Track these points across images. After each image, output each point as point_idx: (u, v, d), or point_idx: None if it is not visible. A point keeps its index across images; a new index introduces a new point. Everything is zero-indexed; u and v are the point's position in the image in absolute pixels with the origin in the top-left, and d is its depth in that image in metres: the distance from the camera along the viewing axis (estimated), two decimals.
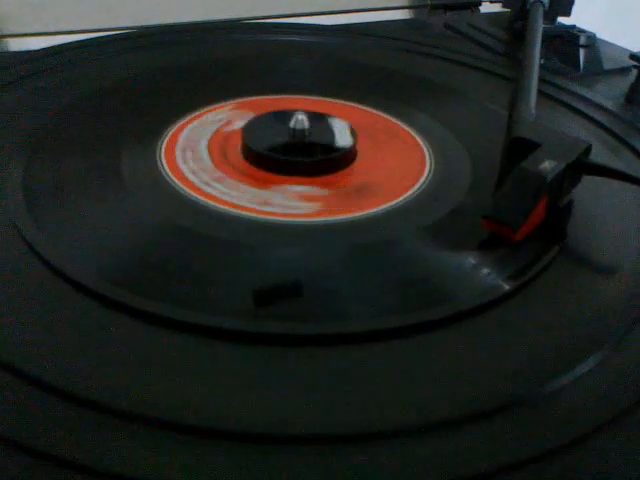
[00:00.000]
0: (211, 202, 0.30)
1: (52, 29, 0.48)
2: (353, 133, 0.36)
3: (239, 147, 0.35)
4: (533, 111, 0.34)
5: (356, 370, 0.23)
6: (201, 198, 0.31)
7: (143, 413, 0.20)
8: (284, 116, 0.35)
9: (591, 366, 0.23)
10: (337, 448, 0.20)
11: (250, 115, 0.37)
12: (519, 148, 0.31)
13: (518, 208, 0.28)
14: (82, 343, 0.23)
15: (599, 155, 0.36)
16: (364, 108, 0.41)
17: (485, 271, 0.27)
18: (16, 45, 0.49)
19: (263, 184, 0.32)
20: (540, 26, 0.44)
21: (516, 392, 0.22)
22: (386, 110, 0.41)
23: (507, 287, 0.27)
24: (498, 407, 0.21)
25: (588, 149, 0.31)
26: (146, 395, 0.21)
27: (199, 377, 0.22)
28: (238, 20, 0.54)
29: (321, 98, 0.42)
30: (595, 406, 0.22)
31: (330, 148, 0.34)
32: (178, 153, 0.34)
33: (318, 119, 0.36)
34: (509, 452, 0.20)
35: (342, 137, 0.35)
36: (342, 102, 0.42)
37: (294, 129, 0.34)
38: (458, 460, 0.19)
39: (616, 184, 0.31)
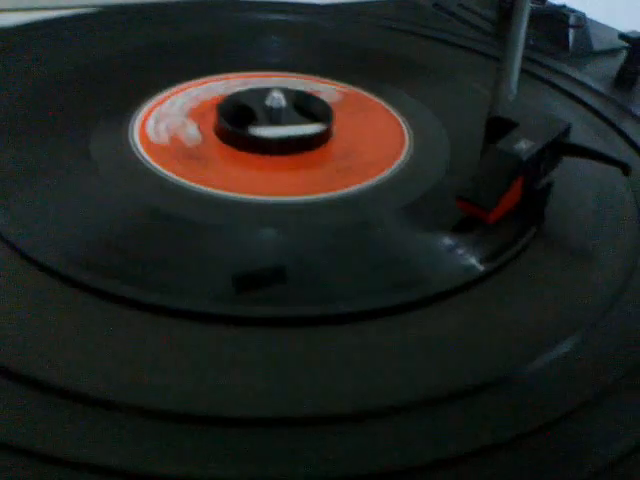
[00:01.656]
0: (186, 181, 0.30)
1: (26, 5, 0.47)
2: (329, 109, 0.35)
3: (214, 126, 0.34)
4: (514, 90, 0.33)
5: (335, 352, 0.22)
6: (176, 178, 0.30)
7: (131, 402, 0.20)
8: (260, 94, 0.35)
9: (568, 348, 0.23)
10: (324, 429, 0.20)
11: (225, 92, 0.36)
12: (497, 128, 0.30)
13: (492, 189, 0.27)
14: (57, 331, 0.22)
15: (586, 137, 0.35)
16: (345, 86, 0.41)
17: (461, 252, 0.27)
18: None
19: (238, 163, 0.32)
20: (528, 5, 0.43)
21: (493, 373, 0.22)
22: (366, 88, 0.40)
23: (483, 269, 0.26)
24: (475, 388, 0.21)
25: (567, 129, 0.30)
26: (133, 384, 0.20)
27: (185, 363, 0.21)
28: None
29: (302, 76, 0.41)
30: (572, 387, 0.22)
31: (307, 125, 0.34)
32: (151, 132, 0.34)
33: (295, 96, 0.35)
34: (488, 432, 0.20)
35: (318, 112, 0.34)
36: (323, 80, 0.41)
37: (271, 107, 0.34)
38: (438, 440, 0.19)
39: (596, 166, 0.31)
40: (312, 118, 0.34)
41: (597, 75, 0.45)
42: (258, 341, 0.22)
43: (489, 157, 0.28)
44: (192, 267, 0.25)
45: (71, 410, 0.19)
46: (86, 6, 0.49)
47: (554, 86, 0.43)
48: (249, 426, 0.20)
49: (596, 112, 0.40)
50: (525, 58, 0.39)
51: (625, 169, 0.29)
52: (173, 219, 0.28)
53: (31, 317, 0.23)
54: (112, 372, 0.21)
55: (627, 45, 0.44)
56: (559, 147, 0.30)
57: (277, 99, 0.34)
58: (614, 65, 0.46)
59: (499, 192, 0.27)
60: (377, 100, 0.39)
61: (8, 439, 0.18)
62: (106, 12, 0.49)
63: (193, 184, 0.30)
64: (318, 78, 0.41)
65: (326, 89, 0.40)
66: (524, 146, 0.28)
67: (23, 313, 0.23)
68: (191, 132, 0.34)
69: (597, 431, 0.20)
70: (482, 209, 0.27)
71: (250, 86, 0.37)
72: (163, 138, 0.33)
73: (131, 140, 0.33)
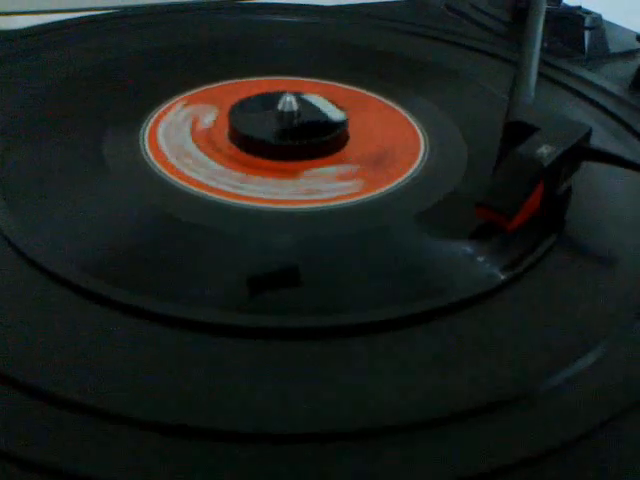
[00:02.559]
0: (196, 189, 0.29)
1: (37, 7, 0.47)
2: (342, 112, 0.34)
3: (226, 131, 0.33)
4: (532, 94, 0.32)
5: (350, 364, 0.21)
6: (186, 185, 0.29)
7: (132, 415, 0.19)
8: (271, 99, 0.34)
9: (592, 361, 0.22)
10: (336, 446, 0.19)
11: (235, 99, 0.35)
12: (516, 132, 0.29)
13: (513, 195, 0.26)
14: (64, 340, 0.21)
15: (603, 141, 0.35)
16: (356, 89, 0.40)
17: (480, 261, 0.26)
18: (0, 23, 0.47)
19: (251, 169, 0.31)
20: (543, 6, 0.42)
21: (513, 388, 0.21)
22: (379, 92, 0.40)
23: (503, 277, 0.25)
24: (494, 404, 0.20)
25: (588, 134, 0.29)
26: (135, 395, 0.20)
27: (189, 375, 0.21)
28: (225, 0, 0.52)
29: (312, 80, 0.40)
30: (597, 403, 0.21)
31: (322, 129, 0.33)
32: (162, 138, 0.33)
33: (306, 100, 0.35)
34: (507, 450, 0.19)
35: (333, 114, 0.34)
36: (333, 83, 0.40)
37: (282, 111, 0.33)
38: (455, 459, 0.19)
39: (617, 170, 0.30)
40: (326, 123, 0.34)
41: (613, 77, 0.45)
42: (269, 353, 0.22)
43: (509, 162, 0.27)
44: (201, 275, 0.25)
45: (77, 421, 0.19)
46: (98, 9, 0.48)
47: (569, 89, 0.43)
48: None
49: (612, 115, 0.40)
50: (540, 60, 0.39)
51: None
52: (185, 227, 0.27)
53: (37, 326, 0.22)
54: (118, 383, 0.20)
55: None
56: (580, 152, 0.29)
57: (289, 103, 0.33)
58: (631, 67, 0.45)
59: (520, 199, 0.26)
60: (389, 103, 0.39)
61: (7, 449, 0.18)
62: (119, 15, 0.49)
63: (201, 190, 0.29)
64: (328, 81, 0.41)
65: (337, 92, 0.39)
66: (545, 151, 0.27)
67: (29, 321, 0.22)
68: (202, 137, 0.33)
69: (621, 452, 0.19)
70: (503, 216, 0.26)
71: (262, 90, 0.37)
72: (175, 143, 0.33)
73: (142, 145, 0.32)
